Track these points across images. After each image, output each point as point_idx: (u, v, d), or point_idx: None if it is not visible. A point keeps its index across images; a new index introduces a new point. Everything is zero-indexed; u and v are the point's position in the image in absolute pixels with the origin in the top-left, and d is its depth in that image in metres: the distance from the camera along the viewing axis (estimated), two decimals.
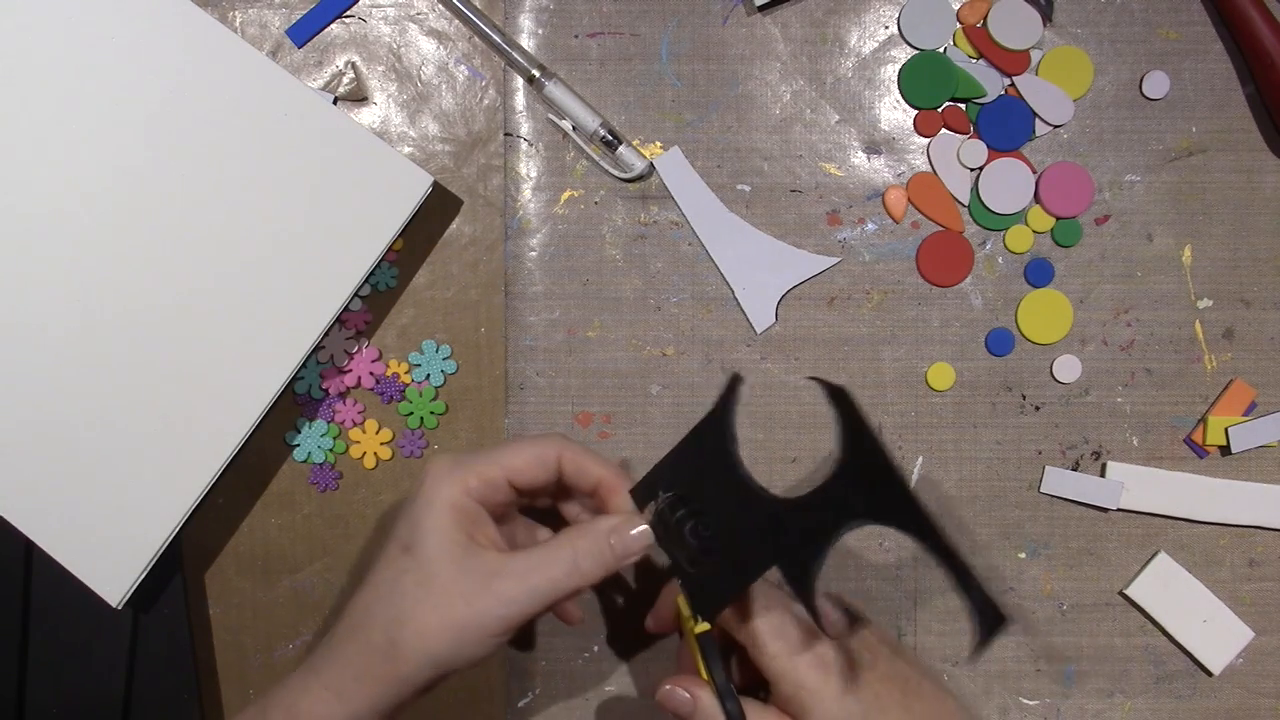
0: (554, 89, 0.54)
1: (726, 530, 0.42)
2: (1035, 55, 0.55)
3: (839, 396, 0.40)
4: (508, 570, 0.41)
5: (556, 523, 0.49)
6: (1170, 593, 0.54)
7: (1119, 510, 0.55)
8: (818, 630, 0.43)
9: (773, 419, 0.55)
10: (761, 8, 0.55)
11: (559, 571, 0.41)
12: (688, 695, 0.43)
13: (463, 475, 0.43)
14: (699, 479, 0.43)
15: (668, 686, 0.44)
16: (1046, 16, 0.55)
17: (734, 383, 0.42)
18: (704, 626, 0.43)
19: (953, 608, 0.55)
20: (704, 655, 0.43)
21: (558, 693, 0.55)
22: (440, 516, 0.42)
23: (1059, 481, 0.55)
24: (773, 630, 0.43)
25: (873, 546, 0.55)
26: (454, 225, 0.56)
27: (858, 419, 0.39)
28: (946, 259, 0.55)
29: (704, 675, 0.43)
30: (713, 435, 0.42)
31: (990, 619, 0.38)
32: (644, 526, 0.43)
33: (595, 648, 0.55)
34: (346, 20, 0.55)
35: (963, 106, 0.55)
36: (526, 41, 0.55)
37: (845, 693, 0.42)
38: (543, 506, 0.50)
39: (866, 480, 0.39)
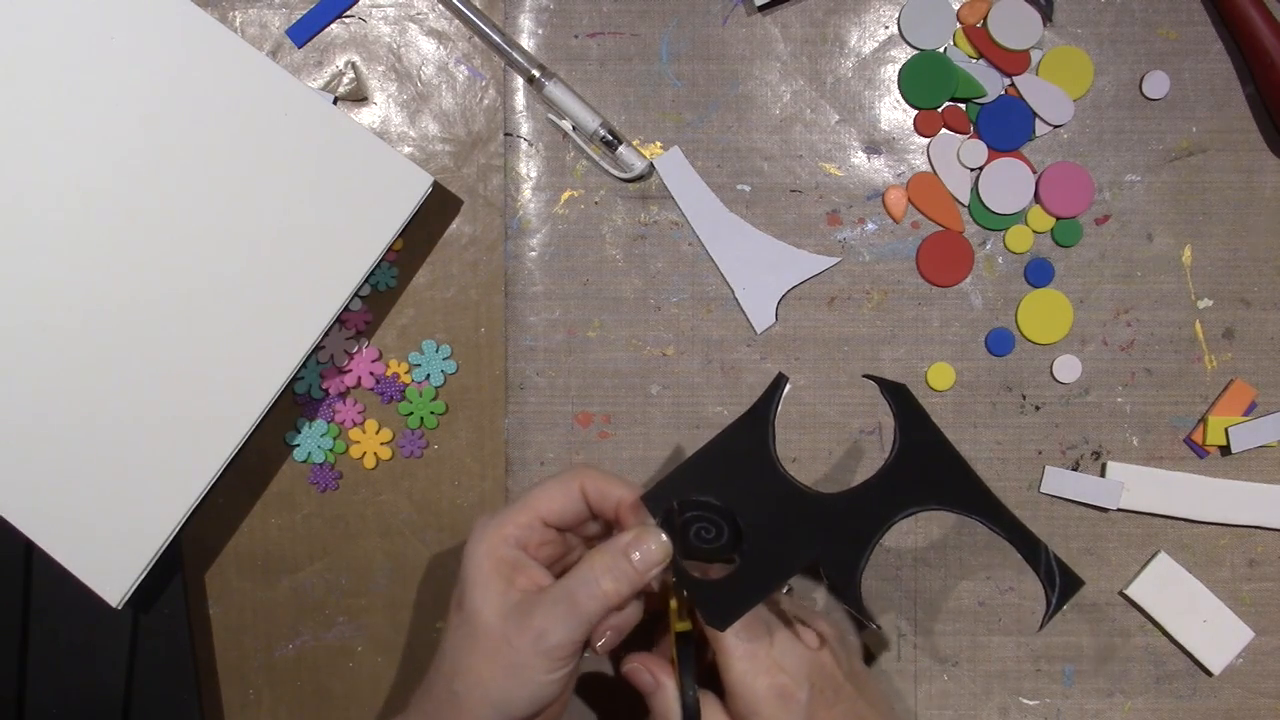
0: (554, 89, 0.54)
1: (760, 529, 0.43)
2: (1035, 55, 0.55)
3: (898, 391, 0.43)
4: (538, 605, 0.42)
5: None
6: (1170, 593, 0.54)
7: (1119, 510, 0.55)
8: (788, 657, 0.44)
9: None
10: (761, 8, 0.55)
11: (582, 595, 0.42)
12: (651, 678, 0.44)
13: (497, 526, 0.44)
14: (731, 478, 0.43)
15: (636, 664, 0.45)
16: (1046, 16, 0.55)
17: (779, 382, 0.43)
18: (685, 625, 0.44)
19: (953, 608, 0.55)
20: (679, 653, 0.44)
21: None
22: (481, 570, 0.43)
23: (1059, 481, 0.55)
24: (745, 650, 0.43)
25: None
26: (454, 225, 0.56)
27: (918, 411, 0.41)
28: (946, 259, 0.55)
29: (674, 665, 0.45)
30: (751, 434, 0.43)
31: (1066, 583, 0.41)
32: (662, 537, 0.43)
33: (595, 646, 0.55)
34: (346, 20, 0.56)
35: (963, 106, 0.55)
36: (526, 41, 0.55)
37: None
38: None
39: (927, 467, 0.41)
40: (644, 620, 0.49)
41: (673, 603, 0.45)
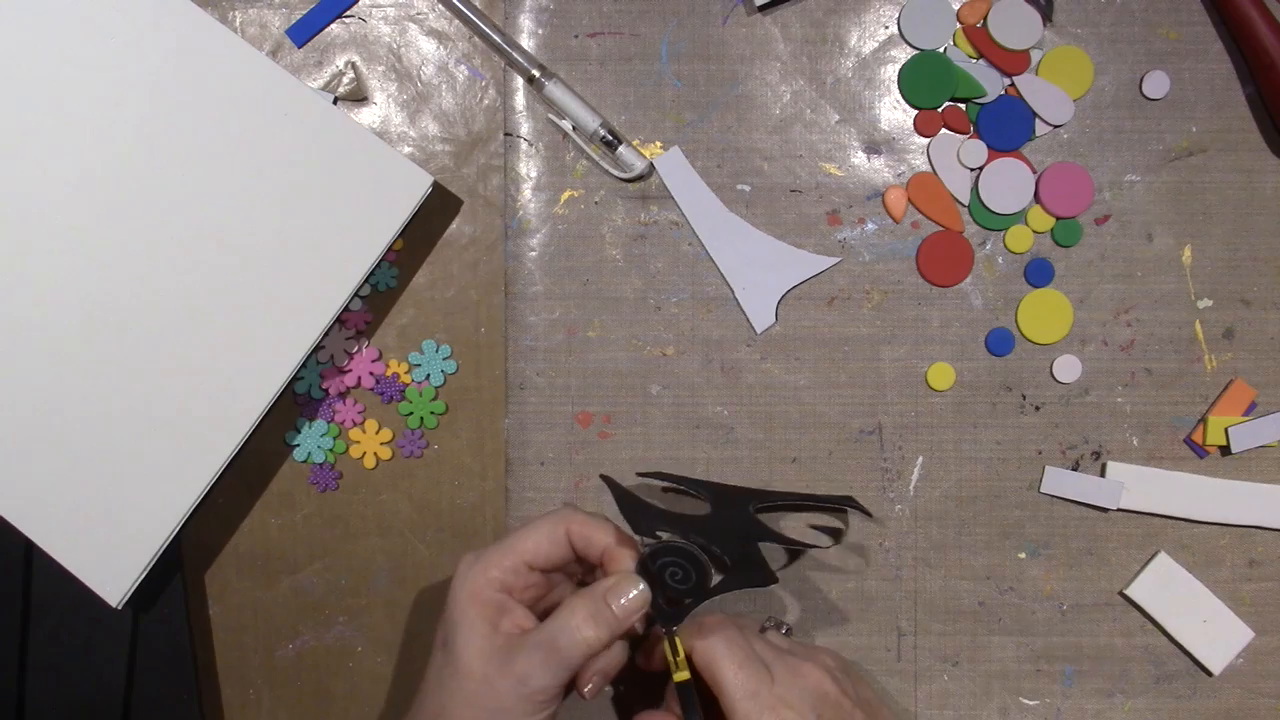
0: (554, 89, 0.54)
1: (719, 538, 0.48)
2: (1035, 55, 0.55)
3: (663, 474, 0.53)
4: (520, 650, 0.43)
5: None
6: (1170, 593, 0.54)
7: (1119, 510, 0.55)
8: (791, 692, 0.44)
9: (773, 419, 0.55)
10: (761, 8, 0.55)
11: (563, 641, 0.43)
12: None
13: (482, 569, 0.45)
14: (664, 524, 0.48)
15: None
16: (1046, 16, 0.55)
17: (608, 483, 0.50)
18: (683, 675, 0.45)
19: (953, 608, 0.55)
20: (681, 703, 0.45)
21: None
22: (466, 612, 0.44)
23: (1059, 481, 0.55)
24: (746, 691, 0.44)
25: (873, 546, 0.55)
26: (454, 225, 0.56)
27: (686, 478, 0.52)
28: (946, 259, 0.55)
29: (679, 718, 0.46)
30: (636, 508, 0.49)
31: (848, 503, 0.53)
32: (641, 584, 0.45)
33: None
34: (346, 20, 0.56)
35: (963, 106, 0.55)
36: (526, 41, 0.55)
37: None
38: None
39: (734, 504, 0.51)
40: (649, 678, 0.50)
41: (669, 654, 0.46)
